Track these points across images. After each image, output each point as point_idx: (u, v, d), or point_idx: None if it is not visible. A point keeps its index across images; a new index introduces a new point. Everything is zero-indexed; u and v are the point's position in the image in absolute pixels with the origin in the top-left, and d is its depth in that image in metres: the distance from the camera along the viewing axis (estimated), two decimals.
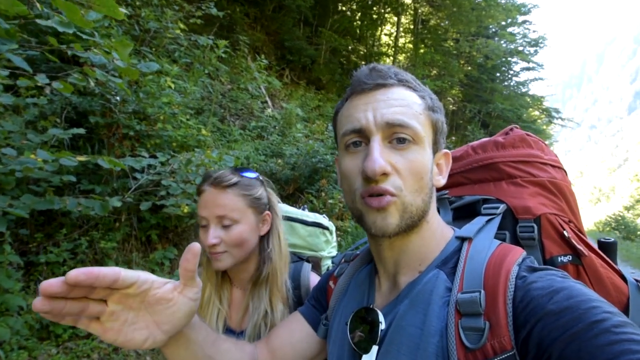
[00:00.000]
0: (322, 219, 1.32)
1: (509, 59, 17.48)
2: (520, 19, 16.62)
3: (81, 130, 2.39)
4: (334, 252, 1.35)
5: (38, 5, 1.29)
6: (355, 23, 13.23)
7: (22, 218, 2.76)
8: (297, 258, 1.21)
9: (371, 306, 0.65)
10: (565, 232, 0.69)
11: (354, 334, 0.65)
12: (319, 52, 10.83)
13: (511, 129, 0.85)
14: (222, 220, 1.02)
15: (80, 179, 3.03)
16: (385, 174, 0.58)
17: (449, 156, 0.69)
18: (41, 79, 1.65)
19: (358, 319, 0.65)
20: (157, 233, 3.33)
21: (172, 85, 3.48)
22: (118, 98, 3.11)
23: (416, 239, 0.63)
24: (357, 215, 0.62)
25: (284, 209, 1.29)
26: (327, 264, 1.33)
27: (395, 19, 14.22)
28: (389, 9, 13.82)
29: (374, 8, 13.30)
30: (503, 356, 0.47)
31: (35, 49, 1.61)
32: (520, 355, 0.47)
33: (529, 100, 19.44)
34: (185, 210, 3.15)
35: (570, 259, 0.68)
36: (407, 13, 14.63)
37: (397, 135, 0.59)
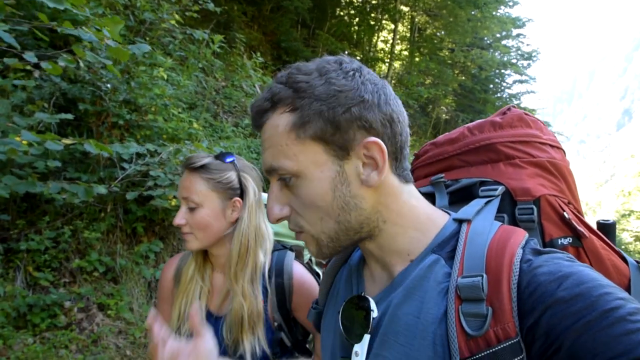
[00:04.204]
0: None
1: (503, 71, 17.74)
2: (515, 32, 16.91)
3: (69, 116, 2.33)
4: None
5: None
6: (352, 28, 13.30)
7: (3, 204, 2.68)
8: (281, 246, 1.21)
9: (362, 294, 0.63)
10: (565, 214, 0.67)
11: (345, 322, 0.62)
12: (315, 54, 10.86)
13: (508, 109, 0.82)
14: (187, 202, 1.04)
15: (66, 166, 2.96)
16: (284, 217, 0.59)
17: (377, 143, 0.56)
18: (29, 57, 1.60)
19: (351, 306, 0.63)
20: (143, 225, 3.27)
21: (165, 76, 3.43)
22: (109, 85, 3.05)
23: (384, 238, 0.60)
24: None
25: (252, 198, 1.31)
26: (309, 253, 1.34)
27: (393, 26, 14.35)
28: (387, 16, 13.94)
29: (372, 14, 13.42)
30: (507, 344, 0.45)
31: (24, 24, 1.56)
32: (526, 344, 0.45)
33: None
34: (173, 203, 3.10)
35: (571, 241, 0.66)
36: (404, 21, 14.79)
37: (281, 177, 0.58)
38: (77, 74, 3.11)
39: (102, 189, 1.94)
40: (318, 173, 0.56)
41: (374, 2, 13.57)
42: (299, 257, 1.28)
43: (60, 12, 2.50)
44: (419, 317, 0.52)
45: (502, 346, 0.45)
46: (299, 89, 0.56)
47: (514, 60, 17.52)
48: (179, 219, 1.03)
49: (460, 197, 0.74)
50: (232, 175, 1.08)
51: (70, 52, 2.54)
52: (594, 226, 0.73)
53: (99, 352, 2.28)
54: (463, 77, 16.78)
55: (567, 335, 0.41)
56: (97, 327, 2.38)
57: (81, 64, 1.72)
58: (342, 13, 13.19)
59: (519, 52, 17.49)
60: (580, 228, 0.66)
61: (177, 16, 3.49)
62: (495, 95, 19.34)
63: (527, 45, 17.53)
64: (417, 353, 0.51)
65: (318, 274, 1.36)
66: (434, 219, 0.62)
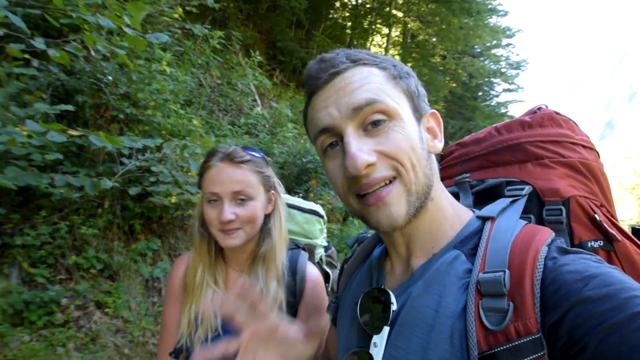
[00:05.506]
0: (318, 207, 1.34)
1: (492, 79, 18.04)
2: (505, 41, 17.25)
3: (69, 107, 2.25)
4: (325, 243, 1.37)
5: None
6: (346, 31, 13.35)
7: None
8: (294, 245, 1.20)
9: (382, 287, 0.62)
10: (596, 216, 0.66)
11: (364, 314, 0.62)
12: (310, 55, 10.84)
13: (539, 108, 0.80)
14: (237, 196, 1.00)
15: (62, 160, 2.87)
16: (371, 165, 0.54)
17: (436, 115, 0.65)
18: (38, 43, 1.54)
19: (370, 299, 0.62)
20: (140, 223, 3.19)
21: (167, 69, 3.37)
22: (110, 78, 2.97)
23: (425, 220, 0.59)
24: (360, 216, 0.60)
25: (282, 193, 1.30)
26: (320, 252, 1.35)
27: (386, 30, 14.47)
28: (380, 20, 14.05)
29: (367, 18, 13.52)
30: (527, 339, 0.44)
31: (36, 8, 1.50)
32: (548, 341, 0.44)
33: (507, 120, 20.08)
34: (173, 200, 3.04)
35: (602, 244, 0.65)
36: (398, 26, 14.92)
37: (370, 119, 0.55)
38: (75, 66, 3.02)
39: (108, 183, 1.88)
40: (409, 120, 0.58)
41: (368, 6, 13.67)
42: (310, 256, 1.27)
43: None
44: (438, 310, 0.52)
45: (522, 341, 0.44)
46: (376, 55, 0.60)
47: (503, 69, 17.85)
48: (228, 214, 0.98)
49: (485, 197, 0.73)
50: (270, 170, 1.10)
51: (70, 41, 2.46)
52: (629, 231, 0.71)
53: (98, 350, 2.20)
54: (454, 84, 17.02)
55: (593, 335, 0.40)
56: (94, 325, 2.31)
57: (92, 53, 1.66)
58: (335, 16, 13.23)
59: (508, 61, 17.81)
60: (613, 231, 0.65)
61: (180, 10, 3.43)
62: (484, 103, 19.67)
63: (516, 55, 17.85)
64: (433, 345, 0.50)
65: (328, 274, 1.36)
66: (460, 214, 0.62)
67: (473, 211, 0.63)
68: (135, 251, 2.97)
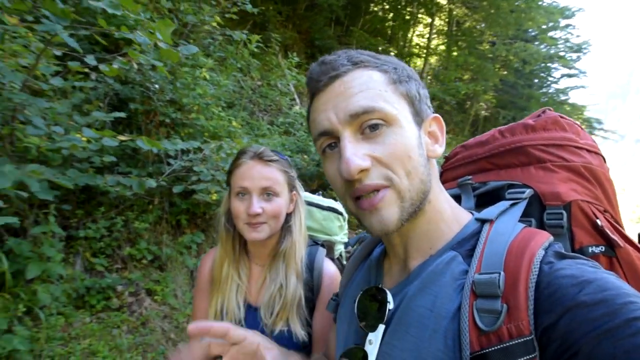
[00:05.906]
0: (337, 205, 1.38)
1: (549, 64, 16.69)
2: (563, 22, 15.82)
3: (122, 114, 2.53)
4: (346, 239, 1.40)
5: None
6: (387, 23, 13.11)
7: (65, 194, 2.94)
8: (313, 242, 1.25)
9: (380, 286, 0.64)
10: (598, 221, 0.65)
11: (361, 312, 0.64)
12: None
13: (544, 111, 0.80)
14: (265, 192, 1.08)
15: (118, 162, 3.20)
16: (365, 170, 0.54)
17: (439, 120, 0.64)
18: (90, 60, 1.76)
19: (367, 297, 0.64)
20: (186, 218, 3.46)
21: (208, 77, 3.60)
22: (157, 86, 3.25)
23: (422, 222, 0.60)
24: (356, 217, 0.61)
25: (302, 194, 1.36)
26: (339, 248, 1.38)
27: (429, 20, 13.98)
28: (423, 10, 13.59)
29: (408, 8, 13.13)
30: (519, 341, 0.44)
31: (85, 29, 1.72)
32: (540, 345, 0.44)
33: (568, 109, 18.45)
34: (214, 198, 3.26)
35: (603, 250, 0.64)
36: (441, 14, 14.34)
37: (367, 123, 0.55)
38: (128, 76, 3.35)
39: (152, 182, 2.09)
40: (408, 125, 0.58)
41: None
42: (329, 252, 1.31)
43: (111, 18, 2.71)
44: (432, 310, 0.52)
45: (514, 342, 0.44)
46: (378, 57, 0.61)
47: (562, 53, 16.41)
48: (257, 207, 1.04)
49: (487, 200, 0.73)
50: (293, 172, 1.17)
51: (123, 55, 2.74)
52: (635, 236, 0.70)
53: (147, 333, 2.46)
54: (505, 72, 16.01)
55: (586, 340, 0.40)
56: (145, 311, 2.57)
57: (134, 66, 1.86)
58: (376, 9, 13.02)
59: (568, 44, 16.33)
60: (615, 237, 0.64)
61: (218, 18, 3.64)
62: (541, 91, 18.26)
63: (577, 36, 16.30)
64: (427, 344, 0.51)
65: None
66: (458, 216, 0.63)
67: (472, 213, 0.64)
68: (181, 244, 3.23)
